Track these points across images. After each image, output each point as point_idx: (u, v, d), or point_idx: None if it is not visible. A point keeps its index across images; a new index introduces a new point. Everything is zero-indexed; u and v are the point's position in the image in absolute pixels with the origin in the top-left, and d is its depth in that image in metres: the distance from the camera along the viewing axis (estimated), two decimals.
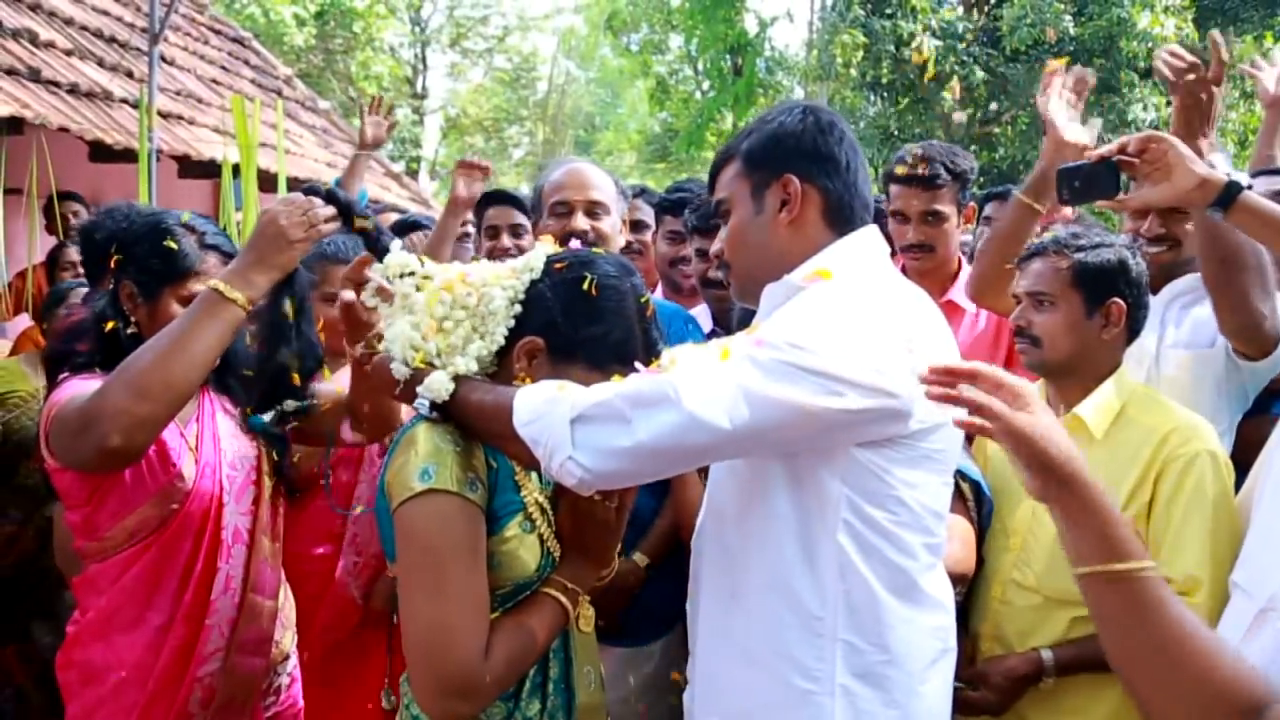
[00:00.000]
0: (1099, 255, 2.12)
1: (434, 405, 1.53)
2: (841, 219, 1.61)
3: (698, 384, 1.37)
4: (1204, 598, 2.00)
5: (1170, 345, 2.51)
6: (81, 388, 1.86)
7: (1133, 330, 2.17)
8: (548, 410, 1.41)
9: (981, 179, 10.28)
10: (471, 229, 3.61)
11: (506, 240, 3.21)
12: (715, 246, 1.72)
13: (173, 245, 1.95)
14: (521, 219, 3.23)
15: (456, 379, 1.53)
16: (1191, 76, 2.12)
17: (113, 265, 2.00)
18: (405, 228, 3.70)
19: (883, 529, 1.50)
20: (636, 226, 3.34)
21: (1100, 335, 2.13)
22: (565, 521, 1.64)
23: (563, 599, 1.58)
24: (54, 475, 1.91)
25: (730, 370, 1.39)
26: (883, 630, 1.51)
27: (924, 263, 2.87)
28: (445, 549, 1.46)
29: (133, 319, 1.98)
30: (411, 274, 1.64)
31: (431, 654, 1.44)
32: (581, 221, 2.34)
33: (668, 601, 2.31)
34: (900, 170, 2.86)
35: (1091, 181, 1.99)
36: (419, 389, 1.53)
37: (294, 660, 2.30)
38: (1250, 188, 1.92)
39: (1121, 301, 2.12)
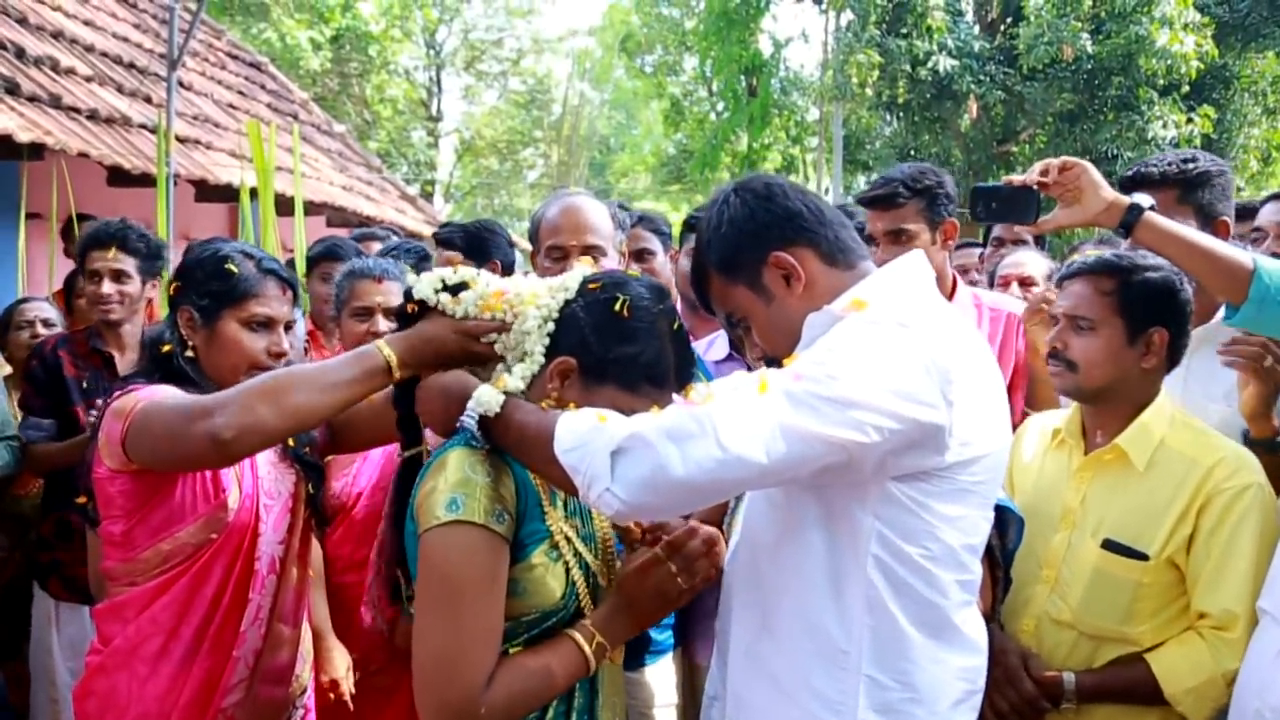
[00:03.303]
0: (1146, 280, 2.05)
1: (480, 424, 1.53)
2: (842, 253, 1.60)
3: (734, 419, 1.38)
4: (1241, 632, 1.94)
5: (1201, 398, 2.38)
6: (167, 389, 1.89)
7: (1172, 360, 2.11)
8: (589, 440, 1.41)
9: None
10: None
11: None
12: (756, 351, 1.72)
13: (233, 269, 2.02)
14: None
15: (505, 393, 1.54)
16: (1269, 361, 2.14)
17: (171, 293, 2.08)
18: (362, 238, 3.78)
19: (915, 564, 1.49)
20: (640, 255, 3.30)
21: (1140, 364, 2.07)
22: (631, 579, 1.61)
23: (588, 650, 1.56)
24: (101, 483, 1.91)
25: (767, 404, 1.39)
26: (908, 667, 1.50)
27: None
28: (464, 580, 1.47)
29: (191, 343, 2.03)
30: (444, 288, 1.66)
31: (435, 679, 1.47)
32: None
33: (659, 626, 2.28)
34: (866, 195, 2.85)
35: (1010, 204, 2.08)
36: (469, 404, 1.53)
37: (310, 693, 2.28)
38: (1153, 208, 2.01)
39: (1165, 330, 2.05)
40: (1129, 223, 1.97)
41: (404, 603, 1.69)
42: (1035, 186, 2.04)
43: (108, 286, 3.23)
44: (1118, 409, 2.10)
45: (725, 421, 1.37)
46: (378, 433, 2.07)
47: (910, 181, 2.74)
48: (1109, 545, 2.04)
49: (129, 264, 3.25)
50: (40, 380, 3.27)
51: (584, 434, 1.42)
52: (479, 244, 3.15)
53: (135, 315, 3.33)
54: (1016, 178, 2.07)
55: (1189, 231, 2.00)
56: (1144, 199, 2.02)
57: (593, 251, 2.35)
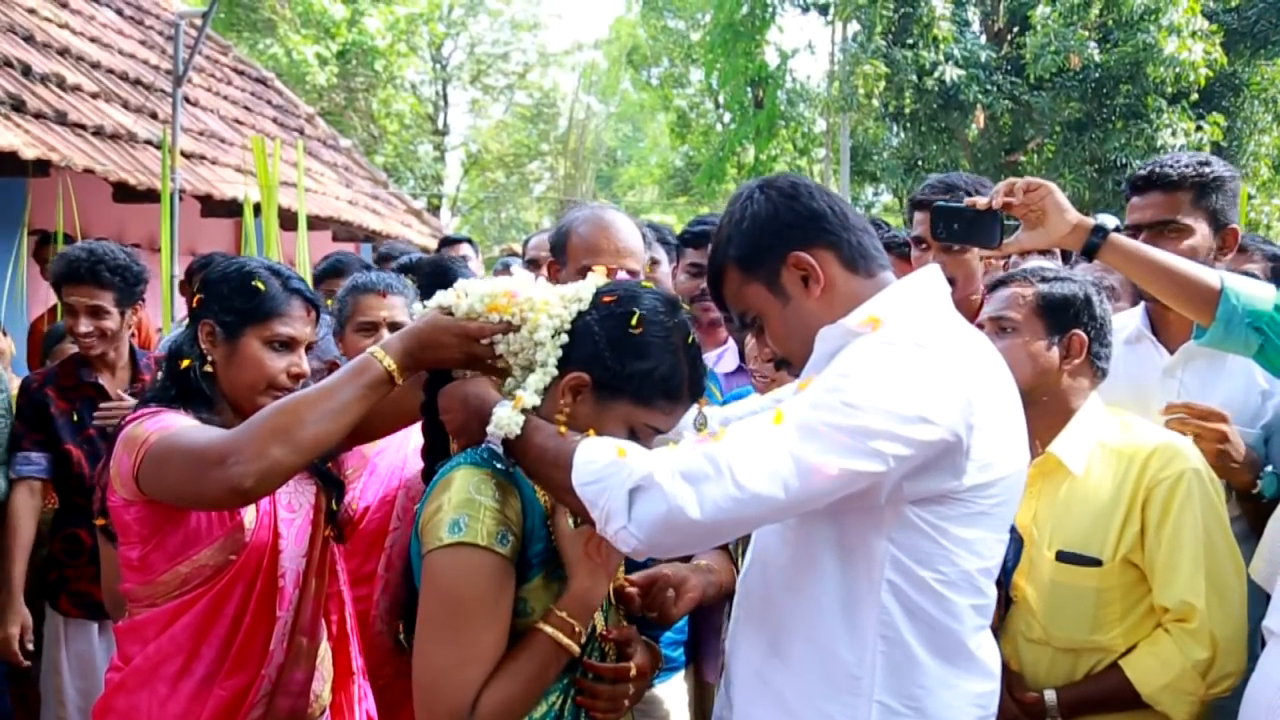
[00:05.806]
0: (1064, 287, 2.12)
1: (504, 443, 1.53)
2: (863, 259, 1.58)
3: (749, 457, 1.37)
4: (1201, 623, 1.94)
5: None
6: (178, 419, 1.86)
7: (1098, 369, 2.14)
8: (608, 474, 1.40)
9: None
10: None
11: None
12: (766, 353, 1.70)
13: (259, 286, 2.00)
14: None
15: (523, 412, 1.52)
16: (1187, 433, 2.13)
17: (195, 304, 2.05)
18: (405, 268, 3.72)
19: (929, 589, 1.49)
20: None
21: (1060, 366, 2.10)
22: (569, 543, 1.58)
23: (560, 637, 1.54)
24: (116, 510, 1.91)
25: (782, 439, 1.38)
26: (920, 694, 1.49)
27: (953, 291, 2.76)
28: (465, 602, 1.48)
29: (210, 358, 2.00)
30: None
31: (428, 696, 1.50)
32: None
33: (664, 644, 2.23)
34: (926, 195, 2.78)
35: (973, 226, 2.05)
36: (489, 428, 1.53)
37: (328, 714, 2.24)
38: (1118, 229, 2.00)
39: (1083, 334, 2.09)
40: (1093, 245, 1.97)
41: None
42: (999, 209, 2.02)
43: (85, 324, 3.15)
44: (1049, 417, 2.11)
45: (740, 461, 1.36)
46: (396, 420, 2.05)
47: (975, 192, 2.70)
48: (1062, 556, 2.05)
49: (105, 299, 3.15)
50: (29, 419, 3.23)
51: (602, 469, 1.41)
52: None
53: (119, 344, 3.27)
54: (981, 200, 2.06)
55: (1154, 252, 2.01)
56: (1108, 220, 2.02)
57: (630, 274, 2.31)
